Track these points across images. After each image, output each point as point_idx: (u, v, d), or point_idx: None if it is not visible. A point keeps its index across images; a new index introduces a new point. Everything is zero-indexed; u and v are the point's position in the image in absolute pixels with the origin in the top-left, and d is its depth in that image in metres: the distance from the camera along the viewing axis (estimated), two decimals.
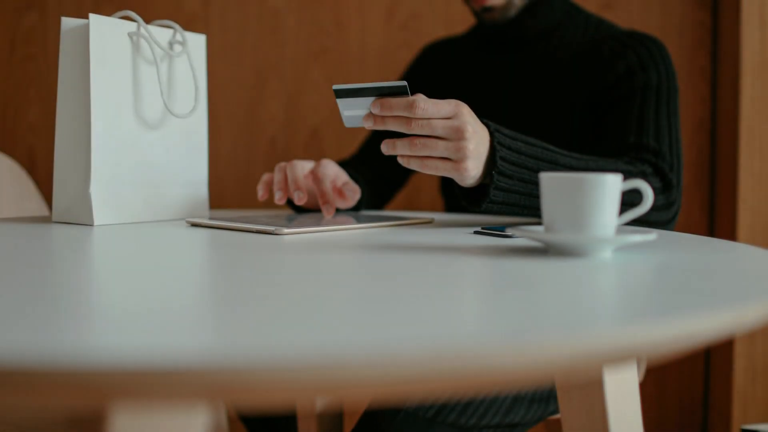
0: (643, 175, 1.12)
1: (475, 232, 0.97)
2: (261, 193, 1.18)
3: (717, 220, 1.84)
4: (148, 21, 1.17)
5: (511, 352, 0.41)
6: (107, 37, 1.06)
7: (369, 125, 0.95)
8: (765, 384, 1.74)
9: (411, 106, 0.91)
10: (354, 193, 1.20)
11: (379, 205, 1.46)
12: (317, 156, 1.93)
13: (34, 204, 1.58)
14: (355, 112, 0.96)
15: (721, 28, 1.82)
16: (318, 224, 1.02)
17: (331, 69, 1.96)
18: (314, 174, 1.17)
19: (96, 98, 1.04)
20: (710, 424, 1.87)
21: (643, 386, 1.86)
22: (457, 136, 0.93)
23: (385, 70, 1.93)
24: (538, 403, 1.13)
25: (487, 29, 1.40)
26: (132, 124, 1.10)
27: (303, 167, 1.18)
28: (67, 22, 1.07)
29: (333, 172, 1.20)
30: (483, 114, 1.14)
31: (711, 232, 1.86)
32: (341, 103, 0.96)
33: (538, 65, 1.36)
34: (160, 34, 1.14)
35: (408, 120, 0.92)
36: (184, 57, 1.17)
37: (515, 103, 1.36)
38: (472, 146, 0.94)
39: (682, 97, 1.75)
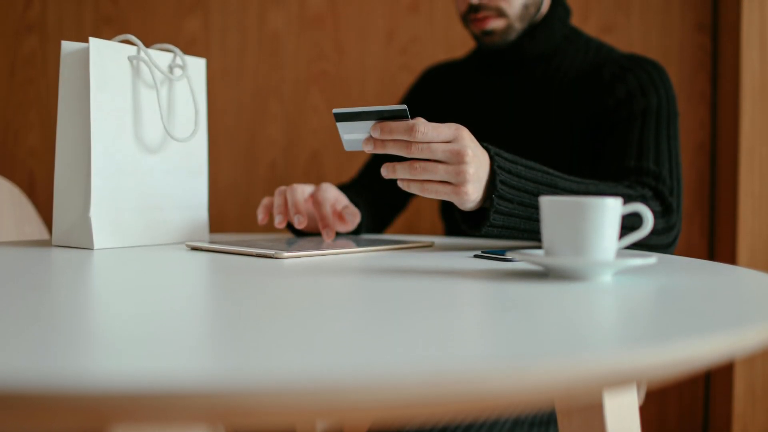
0: (643, 199, 1.12)
1: (475, 256, 0.97)
2: (261, 216, 1.18)
3: (717, 243, 1.84)
4: (148, 45, 1.18)
5: (511, 375, 0.41)
6: (107, 60, 1.06)
7: (369, 149, 0.95)
8: (765, 407, 1.73)
9: (411, 129, 0.91)
10: (354, 216, 1.20)
11: (379, 228, 1.45)
12: (317, 179, 1.93)
13: (34, 227, 1.58)
14: (355, 136, 0.96)
15: (721, 52, 1.82)
16: (318, 248, 1.02)
17: (331, 92, 1.97)
18: (314, 198, 1.17)
19: (96, 122, 1.05)
20: None
21: (644, 409, 1.85)
22: (457, 159, 0.93)
23: (385, 94, 1.93)
24: (538, 427, 1.13)
25: (487, 53, 1.40)
26: (132, 147, 1.10)
27: (303, 191, 1.18)
28: (67, 46, 1.07)
29: (333, 195, 1.20)
30: (483, 136, 1.14)
31: (711, 255, 1.86)
32: (341, 126, 0.96)
33: (539, 88, 1.36)
34: (160, 57, 1.15)
35: (408, 144, 0.92)
36: (184, 81, 1.17)
37: (515, 126, 1.36)
38: (472, 170, 0.94)
39: (683, 121, 1.76)
